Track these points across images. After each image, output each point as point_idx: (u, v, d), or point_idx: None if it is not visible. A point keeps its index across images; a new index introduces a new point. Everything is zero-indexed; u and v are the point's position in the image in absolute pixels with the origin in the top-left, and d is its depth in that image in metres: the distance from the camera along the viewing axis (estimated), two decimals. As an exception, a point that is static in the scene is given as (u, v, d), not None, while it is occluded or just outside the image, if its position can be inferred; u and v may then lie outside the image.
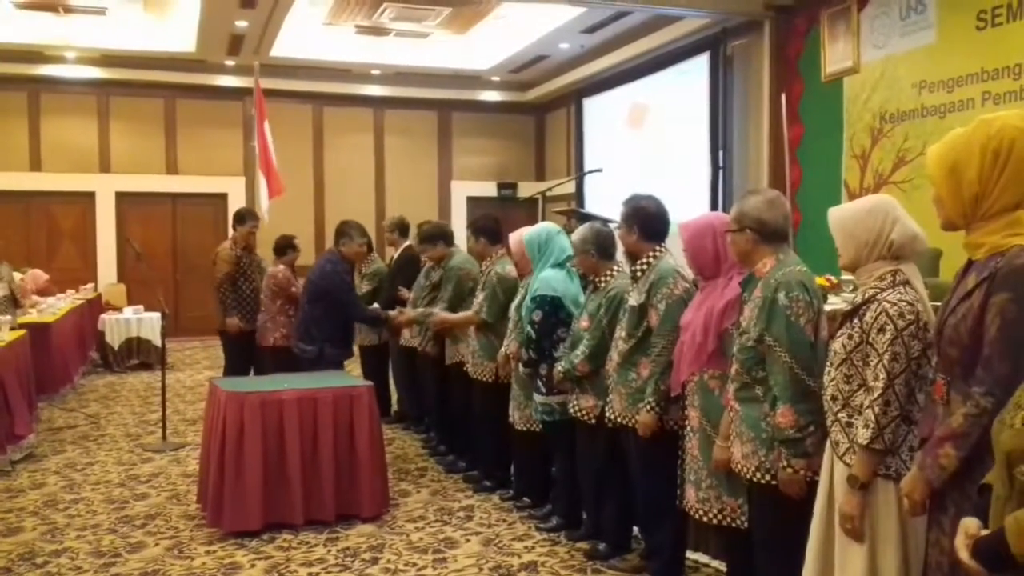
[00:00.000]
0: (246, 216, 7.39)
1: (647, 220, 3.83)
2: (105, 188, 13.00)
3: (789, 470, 2.81)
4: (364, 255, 6.26)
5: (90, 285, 11.77)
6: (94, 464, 6.08)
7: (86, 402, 8.42)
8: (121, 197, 13.08)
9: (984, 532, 1.73)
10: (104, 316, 10.62)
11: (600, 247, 4.14)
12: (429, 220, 7.28)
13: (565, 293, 4.42)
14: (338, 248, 5.68)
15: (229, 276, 7.10)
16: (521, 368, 4.60)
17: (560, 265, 4.53)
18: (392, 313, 6.03)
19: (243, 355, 7.16)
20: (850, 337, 2.53)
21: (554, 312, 4.39)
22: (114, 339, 10.36)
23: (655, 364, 3.62)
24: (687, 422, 3.44)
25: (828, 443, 2.64)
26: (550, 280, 4.46)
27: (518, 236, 4.90)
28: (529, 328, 4.43)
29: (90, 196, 12.98)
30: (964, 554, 1.73)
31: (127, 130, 13.09)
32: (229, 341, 7.33)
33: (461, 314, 5.43)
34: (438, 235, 6.02)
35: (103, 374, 10.15)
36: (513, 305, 4.89)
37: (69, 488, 5.48)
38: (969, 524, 1.77)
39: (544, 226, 4.81)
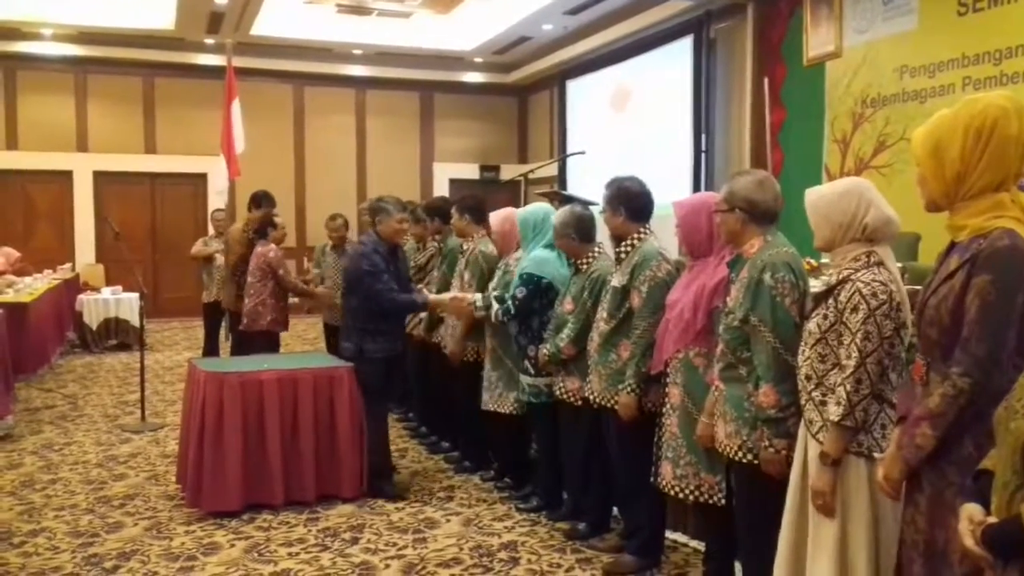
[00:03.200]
0: (262, 200, 7.03)
1: (632, 200, 3.83)
2: (83, 167, 12.86)
3: (771, 450, 2.83)
4: (404, 232, 5.26)
5: (68, 265, 11.68)
6: (72, 444, 6.04)
7: (64, 382, 8.36)
8: (99, 176, 12.95)
9: (990, 519, 1.69)
10: (82, 296, 10.53)
11: (580, 230, 4.13)
12: (412, 201, 7.24)
13: (555, 276, 4.40)
14: (375, 229, 5.01)
15: (244, 258, 6.81)
16: (477, 313, 4.64)
17: (551, 246, 4.52)
18: (440, 297, 5.09)
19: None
20: (824, 317, 2.56)
21: (540, 293, 4.37)
22: (92, 319, 10.28)
23: (635, 346, 3.62)
24: (667, 400, 3.45)
25: (802, 422, 2.67)
26: (541, 261, 4.44)
27: (502, 215, 4.90)
28: (510, 302, 4.41)
29: (67, 175, 12.84)
30: (969, 540, 1.70)
31: (105, 108, 12.94)
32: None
33: (463, 323, 5.15)
34: (437, 212, 5.97)
35: (81, 354, 10.07)
36: (491, 285, 4.89)
37: (46, 468, 5.44)
38: (973, 511, 1.74)
39: (540, 206, 4.81)
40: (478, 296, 4.77)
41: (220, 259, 8.10)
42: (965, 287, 2.05)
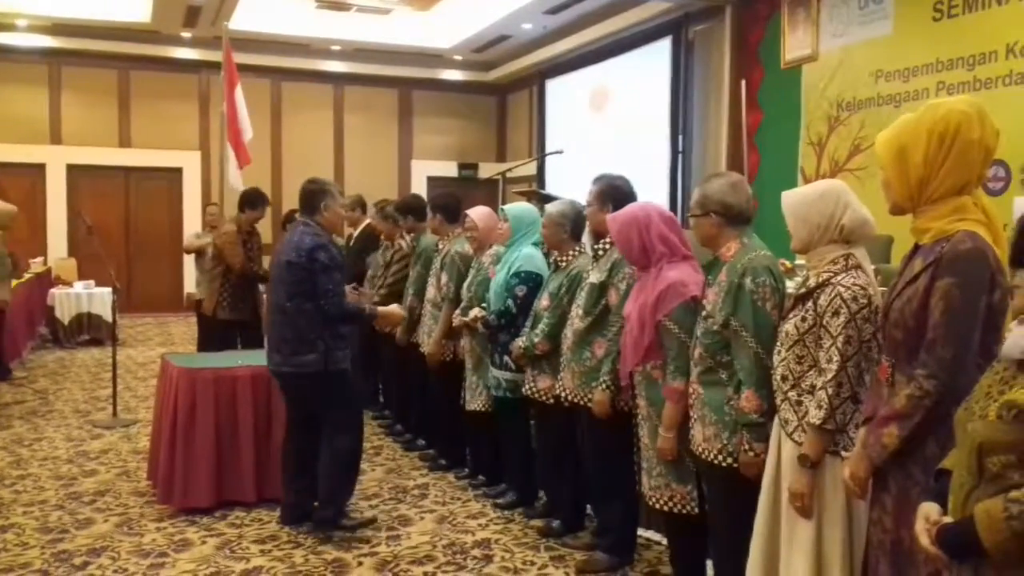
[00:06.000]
0: (257, 200, 6.66)
1: (622, 199, 3.83)
2: (56, 160, 12.71)
3: (751, 454, 2.82)
4: (346, 221, 4.81)
5: (40, 259, 11.53)
6: (42, 440, 5.98)
7: (35, 377, 8.26)
8: (72, 170, 12.80)
9: (946, 519, 1.73)
10: (54, 291, 10.42)
11: (576, 225, 4.15)
12: (386, 199, 7.19)
13: (546, 273, 4.42)
14: (313, 217, 4.21)
15: (240, 263, 6.45)
16: (480, 328, 4.54)
17: (538, 244, 4.52)
18: (387, 309, 4.66)
19: (217, 340, 6.59)
20: (803, 319, 2.57)
21: (536, 291, 4.37)
22: (64, 314, 10.18)
23: (612, 344, 3.63)
24: (637, 411, 3.47)
25: (776, 421, 2.68)
26: (535, 259, 4.45)
27: (483, 212, 4.90)
28: (510, 302, 4.37)
29: (40, 168, 12.67)
30: (925, 540, 1.74)
31: (79, 101, 12.80)
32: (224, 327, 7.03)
33: (441, 324, 5.08)
34: (411, 209, 5.92)
35: (52, 349, 9.97)
36: (465, 283, 4.89)
37: (16, 464, 5.38)
38: (930, 510, 1.78)
39: (531, 206, 4.85)
40: (478, 312, 4.57)
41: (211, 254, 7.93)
42: (929, 290, 2.08)
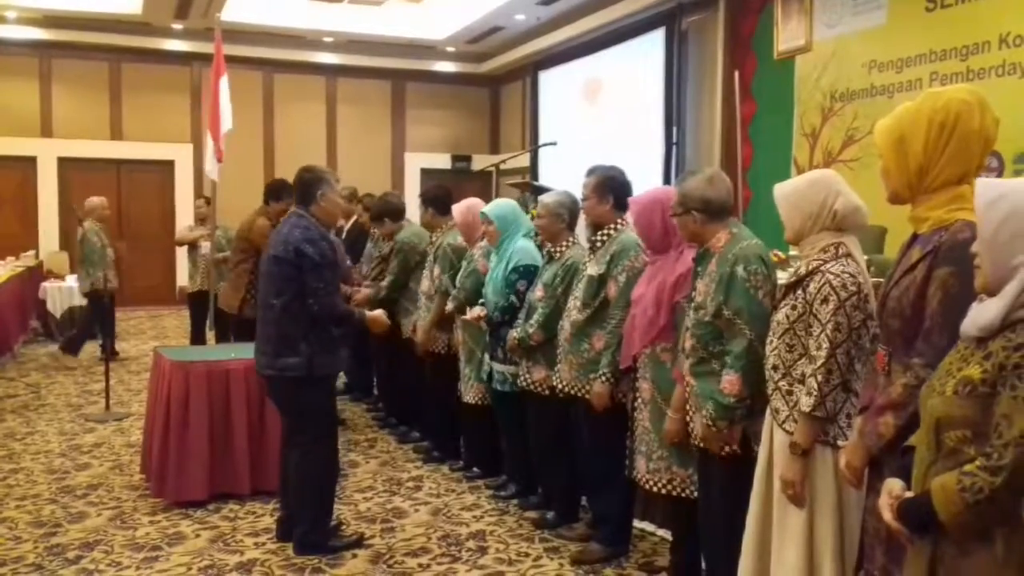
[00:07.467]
0: (283, 191, 6.19)
1: (620, 189, 3.83)
2: (47, 153, 12.65)
3: (712, 428, 2.89)
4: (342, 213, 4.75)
5: (31, 252, 11.49)
6: (34, 434, 5.96)
7: (26, 371, 8.24)
8: (64, 162, 12.74)
9: (908, 494, 1.77)
10: (46, 284, 10.38)
11: (573, 215, 4.15)
12: (371, 193, 7.14)
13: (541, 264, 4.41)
14: (309, 208, 3.88)
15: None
16: (483, 326, 4.52)
17: (529, 235, 4.51)
18: (374, 314, 4.22)
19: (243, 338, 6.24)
20: (793, 308, 2.58)
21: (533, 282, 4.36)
22: (56, 308, 10.13)
23: (611, 336, 3.63)
24: (638, 394, 3.47)
25: (768, 410, 2.69)
26: (528, 251, 4.43)
27: (465, 205, 4.89)
28: (513, 297, 4.34)
29: (31, 161, 12.62)
30: (888, 514, 1.79)
31: (70, 94, 12.73)
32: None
33: (432, 314, 5.08)
34: (384, 213, 5.91)
35: (44, 343, 9.92)
36: (459, 276, 4.87)
37: (8, 458, 5.36)
38: (893, 485, 1.82)
39: (505, 200, 4.83)
40: (479, 311, 4.50)
41: (205, 247, 7.88)
42: (927, 279, 2.08)
